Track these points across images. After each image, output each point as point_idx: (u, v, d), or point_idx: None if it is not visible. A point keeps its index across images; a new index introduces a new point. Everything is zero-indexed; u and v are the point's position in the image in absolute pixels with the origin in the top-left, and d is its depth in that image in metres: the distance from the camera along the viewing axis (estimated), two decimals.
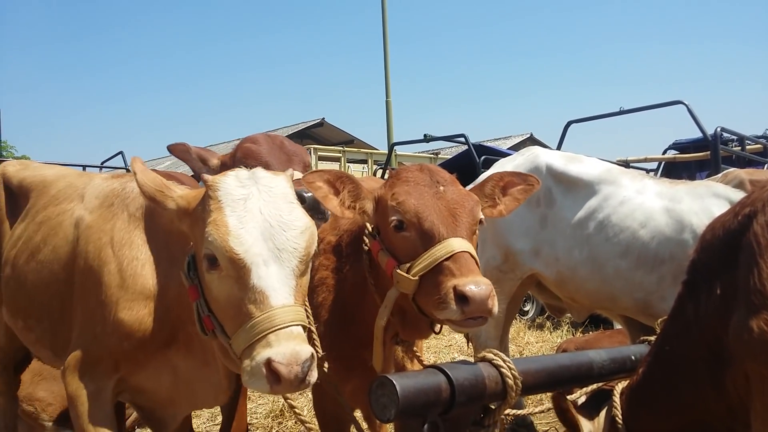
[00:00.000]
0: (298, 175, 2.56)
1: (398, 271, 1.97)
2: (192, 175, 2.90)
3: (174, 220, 1.98)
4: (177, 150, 2.83)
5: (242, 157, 2.69)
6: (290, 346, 1.64)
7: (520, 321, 8.74)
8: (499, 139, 29.58)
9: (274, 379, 1.62)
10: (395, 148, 11.48)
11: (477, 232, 2.08)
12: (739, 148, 7.58)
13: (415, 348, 2.31)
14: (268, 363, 1.62)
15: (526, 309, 9.59)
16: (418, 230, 1.98)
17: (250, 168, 2.56)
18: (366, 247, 2.25)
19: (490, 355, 1.82)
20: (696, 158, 7.90)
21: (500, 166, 4.42)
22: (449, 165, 10.29)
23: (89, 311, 2.29)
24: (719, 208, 3.21)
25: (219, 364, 2.17)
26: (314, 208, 2.31)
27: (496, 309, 1.84)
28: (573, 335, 7.99)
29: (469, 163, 7.95)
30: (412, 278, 1.93)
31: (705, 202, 3.49)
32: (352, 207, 2.14)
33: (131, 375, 2.29)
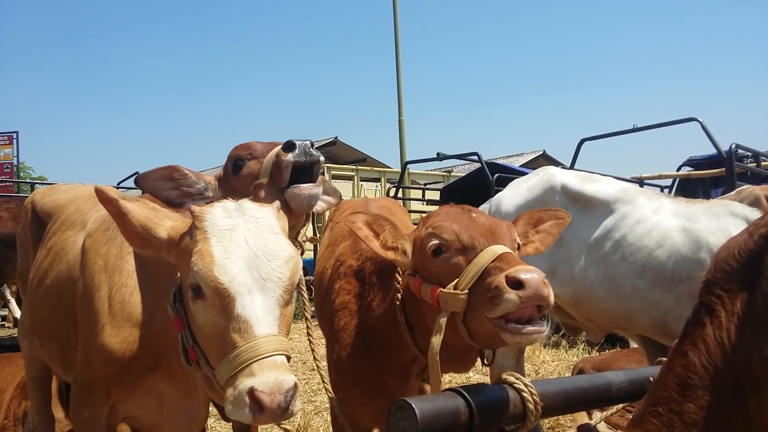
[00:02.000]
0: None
1: (444, 290, 1.89)
2: (169, 203, 2.65)
3: (162, 251, 1.95)
4: (154, 177, 2.61)
5: (232, 152, 2.67)
6: (273, 375, 1.64)
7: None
8: (512, 156, 29.59)
9: (257, 408, 1.61)
10: (408, 166, 11.53)
11: (516, 254, 1.99)
12: (755, 164, 7.54)
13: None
14: (251, 392, 1.61)
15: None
16: (458, 247, 1.94)
17: (241, 160, 2.62)
18: (398, 285, 2.23)
19: (511, 378, 1.81)
20: (711, 175, 7.88)
21: (515, 185, 4.43)
22: (463, 183, 10.33)
23: (84, 335, 2.34)
24: (736, 228, 3.20)
25: (199, 395, 2.20)
26: (306, 153, 2.41)
27: (552, 298, 1.73)
28: (589, 354, 7.91)
29: (482, 181, 7.97)
30: (461, 293, 1.85)
31: (722, 221, 3.47)
32: (394, 248, 2.12)
33: (121, 401, 2.32)
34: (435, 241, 1.98)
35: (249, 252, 1.79)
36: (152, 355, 2.24)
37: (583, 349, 8.40)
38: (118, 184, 10.65)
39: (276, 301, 1.78)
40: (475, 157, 8.69)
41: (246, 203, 1.94)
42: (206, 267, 1.74)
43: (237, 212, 1.88)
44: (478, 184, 7.58)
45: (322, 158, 2.52)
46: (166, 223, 1.96)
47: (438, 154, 9.93)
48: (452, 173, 17.16)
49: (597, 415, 5.09)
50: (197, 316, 1.81)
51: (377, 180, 16.13)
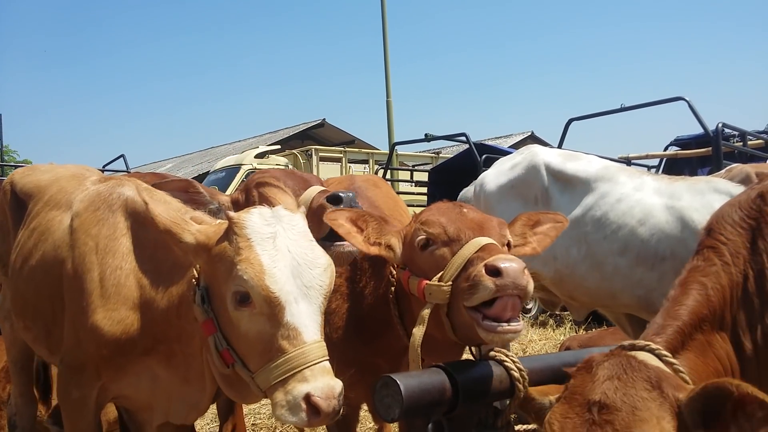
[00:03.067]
0: (320, 188, 2.59)
1: (429, 282, 1.93)
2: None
3: (189, 254, 1.98)
4: (171, 188, 2.65)
5: (257, 185, 2.66)
6: (325, 380, 1.73)
7: (522, 319, 8.73)
8: (500, 137, 29.56)
9: (313, 412, 1.69)
10: (396, 147, 11.48)
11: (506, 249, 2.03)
12: (741, 143, 7.56)
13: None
14: (308, 397, 1.69)
15: (528, 307, 9.59)
16: (444, 240, 1.97)
17: (267, 194, 2.59)
18: (392, 278, 2.26)
19: (497, 354, 1.82)
20: (697, 154, 7.90)
21: (499, 164, 4.43)
22: (451, 164, 10.30)
23: (73, 316, 2.33)
24: (721, 204, 3.20)
25: (205, 386, 2.21)
26: (352, 205, 2.40)
27: (531, 287, 1.76)
28: (576, 332, 8.00)
29: (470, 162, 7.95)
30: (445, 285, 1.88)
31: (706, 197, 3.47)
32: (378, 243, 2.14)
33: (112, 381, 2.32)
34: (423, 236, 2.02)
35: (292, 260, 1.84)
36: (150, 339, 2.23)
37: (570, 328, 8.49)
38: (104, 167, 10.55)
39: (318, 308, 1.86)
40: (464, 138, 8.66)
41: (280, 210, 1.97)
42: (257, 276, 1.77)
43: (274, 219, 1.92)
44: (467, 165, 7.56)
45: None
46: (192, 227, 1.97)
47: (426, 135, 9.89)
48: (440, 155, 17.08)
49: None
50: (241, 323, 1.84)
51: (365, 162, 16.06)
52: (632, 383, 1.50)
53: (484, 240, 1.89)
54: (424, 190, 11.82)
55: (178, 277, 2.18)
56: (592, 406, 1.48)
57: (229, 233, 1.89)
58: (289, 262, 1.84)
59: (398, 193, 12.80)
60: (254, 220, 1.89)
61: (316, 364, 1.75)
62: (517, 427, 1.89)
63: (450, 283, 1.87)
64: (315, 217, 2.39)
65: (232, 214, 1.92)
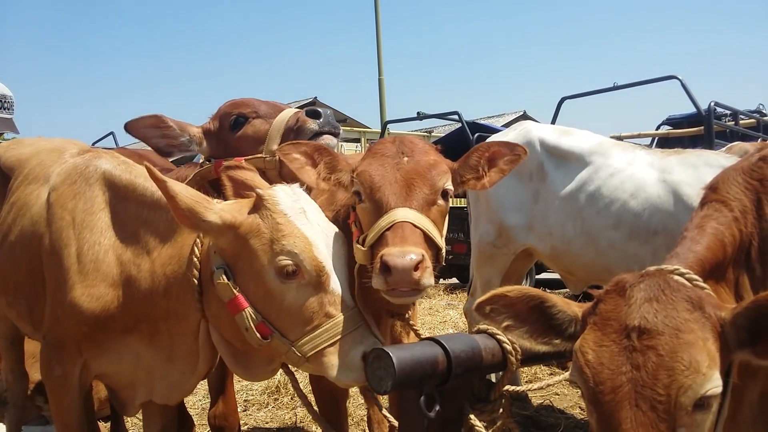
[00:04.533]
0: (295, 110, 2.60)
1: (355, 243, 2.01)
2: (159, 152, 2.80)
3: (212, 233, 1.95)
4: (142, 125, 2.67)
5: (230, 108, 2.66)
6: (372, 339, 1.87)
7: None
8: (493, 117, 29.47)
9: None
10: (388, 126, 11.43)
11: (441, 202, 2.03)
12: (733, 122, 7.56)
13: (411, 321, 2.29)
14: (365, 356, 1.79)
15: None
16: (372, 201, 1.99)
17: (244, 117, 2.60)
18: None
19: (484, 326, 1.82)
20: (689, 133, 7.89)
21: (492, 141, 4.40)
22: (442, 143, 10.27)
23: (52, 293, 2.29)
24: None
25: (191, 367, 2.20)
26: (330, 124, 2.44)
27: (427, 281, 1.78)
28: None
29: (462, 140, 7.91)
30: (363, 249, 1.95)
31: (698, 171, 3.46)
32: (328, 179, 2.14)
33: (93, 359, 2.30)
34: (356, 189, 2.05)
35: (322, 233, 1.95)
36: (131, 317, 2.20)
37: None
38: (94, 143, 10.44)
39: (344, 276, 1.95)
40: (456, 117, 8.63)
41: (296, 187, 2.03)
42: (306, 249, 1.86)
43: (296, 195, 1.99)
44: (459, 144, 7.54)
45: (341, 131, 2.51)
46: (214, 206, 1.95)
47: (418, 113, 9.87)
48: (432, 133, 17.05)
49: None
50: (287, 294, 1.88)
51: (357, 140, 15.98)
52: (673, 304, 1.41)
53: (400, 215, 1.89)
54: None
55: (165, 256, 2.14)
56: (630, 331, 1.40)
57: (260, 209, 1.92)
58: (321, 234, 1.93)
59: None
60: (283, 196, 1.94)
61: (361, 326, 1.88)
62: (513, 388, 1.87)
63: (367, 249, 1.93)
64: (292, 133, 2.41)
65: (261, 192, 1.94)
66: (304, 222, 1.91)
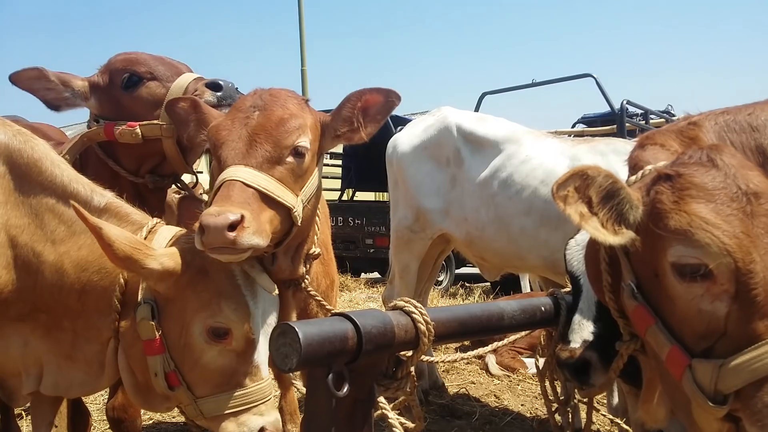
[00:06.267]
0: (195, 75, 2.47)
1: (205, 204, 1.98)
2: (48, 105, 2.60)
3: (151, 279, 1.82)
4: (25, 77, 2.51)
5: (125, 66, 2.48)
6: (276, 415, 1.88)
7: (434, 290, 8.87)
8: (416, 113, 29.73)
9: None
10: None
11: (291, 159, 1.92)
12: (644, 122, 7.90)
13: (319, 298, 2.19)
14: (262, 431, 1.83)
15: (440, 279, 9.73)
16: (217, 159, 1.92)
17: (138, 76, 2.45)
18: None
19: (401, 303, 1.75)
20: (603, 132, 8.20)
21: (411, 126, 4.41)
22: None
23: None
24: (621, 165, 3.27)
25: (99, 373, 2.05)
26: (232, 97, 2.37)
27: (245, 240, 1.70)
28: (485, 301, 8.18)
29: (386, 133, 7.86)
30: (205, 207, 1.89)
31: (606, 158, 3.55)
32: (194, 137, 2.11)
33: None
34: (207, 146, 2.02)
35: (263, 297, 1.90)
36: (27, 304, 1.99)
37: (479, 298, 8.68)
38: None
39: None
40: None
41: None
42: (244, 318, 1.82)
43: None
44: (382, 137, 7.51)
45: None
46: (156, 252, 1.81)
47: None
48: None
49: (490, 357, 5.25)
50: (206, 355, 1.83)
51: None
52: None
53: (231, 173, 1.82)
54: (339, 162, 11.70)
55: (80, 258, 1.96)
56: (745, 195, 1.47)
57: (206, 263, 1.83)
58: (261, 299, 1.89)
59: None
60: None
61: (270, 399, 1.87)
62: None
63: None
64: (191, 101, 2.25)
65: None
66: (246, 285, 1.87)
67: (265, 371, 1.88)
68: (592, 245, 1.87)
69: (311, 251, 2.06)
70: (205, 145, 2.08)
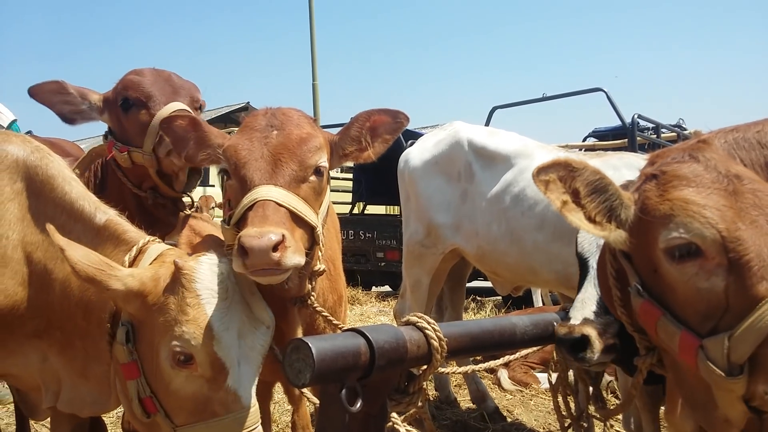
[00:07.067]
0: (182, 106, 2.44)
1: (222, 223, 1.91)
2: (63, 119, 2.66)
3: (117, 301, 1.81)
4: (45, 90, 2.56)
5: (123, 89, 2.52)
6: None
7: None
8: (427, 127, 29.79)
9: None
10: None
11: (314, 179, 1.94)
12: (655, 135, 7.87)
13: (326, 314, 2.19)
14: None
15: None
16: (237, 178, 1.89)
17: (130, 102, 2.47)
18: None
19: (414, 318, 1.76)
20: (614, 146, 8.17)
21: (423, 141, 4.43)
22: None
23: None
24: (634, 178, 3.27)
25: (109, 391, 2.04)
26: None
27: (289, 261, 1.69)
28: (496, 315, 8.13)
29: (397, 147, 7.88)
30: (228, 228, 1.86)
31: (619, 172, 3.52)
32: (194, 157, 2.07)
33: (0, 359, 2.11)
34: (223, 166, 1.96)
35: (240, 320, 1.78)
36: (43, 321, 2.02)
37: (491, 311, 8.63)
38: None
39: (257, 369, 1.80)
40: None
41: (223, 259, 1.85)
42: (206, 342, 1.69)
43: (224, 274, 1.81)
44: (393, 151, 7.54)
45: None
46: (120, 272, 1.77)
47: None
48: None
49: (502, 372, 5.22)
50: (175, 381, 1.74)
51: None
52: None
53: (262, 193, 1.80)
54: (350, 175, 11.72)
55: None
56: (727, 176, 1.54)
57: (175, 283, 1.75)
58: (237, 323, 1.77)
59: None
60: (204, 272, 1.77)
61: (248, 430, 1.74)
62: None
63: (232, 229, 1.84)
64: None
65: (179, 262, 1.76)
66: (218, 308, 1.74)
67: (247, 400, 1.75)
68: (602, 263, 1.88)
69: (316, 268, 2.05)
70: (205, 164, 2.07)
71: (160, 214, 2.61)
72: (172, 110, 2.38)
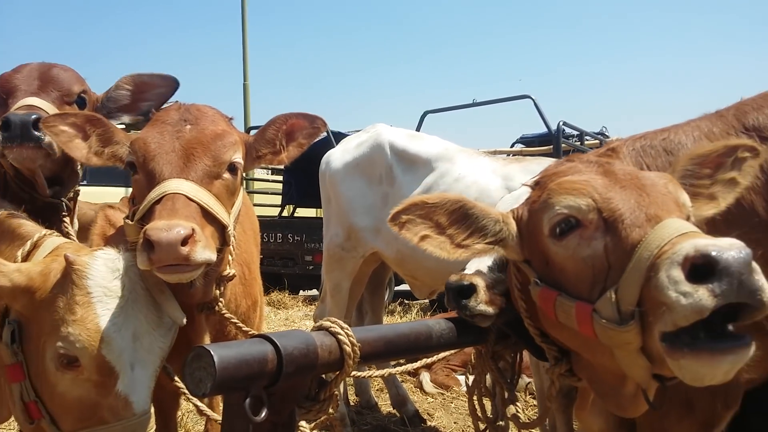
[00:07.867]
0: (35, 102, 2.21)
1: (125, 219, 1.83)
2: None
3: (4, 298, 1.68)
4: None
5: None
6: None
7: None
8: (359, 130, 29.88)
9: None
10: (252, 132, 11.14)
11: (228, 176, 1.88)
12: (579, 143, 8.15)
13: (235, 320, 2.10)
14: None
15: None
16: (145, 172, 1.81)
17: (1, 98, 2.27)
18: None
19: (326, 323, 1.70)
20: (540, 152, 8.41)
21: (345, 143, 4.39)
22: (308, 152, 10.21)
23: None
24: None
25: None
26: (26, 136, 2.04)
27: (199, 256, 1.62)
28: (422, 318, 8.18)
29: (327, 150, 7.82)
30: (130, 223, 1.77)
31: None
32: (100, 153, 1.93)
33: None
34: (129, 159, 1.87)
35: (136, 321, 1.67)
36: None
37: (417, 314, 8.69)
38: None
39: (154, 372, 1.70)
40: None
41: (125, 254, 1.73)
42: (91, 344, 1.58)
43: (121, 267, 1.70)
44: (323, 153, 7.48)
45: (47, 139, 2.10)
46: (7, 267, 1.65)
47: None
48: None
49: (424, 375, 5.24)
50: (61, 384, 1.63)
51: None
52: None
53: (172, 186, 1.72)
54: (280, 177, 11.56)
55: None
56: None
57: (66, 280, 1.64)
58: (132, 323, 1.66)
59: (254, 179, 12.41)
60: (98, 267, 1.66)
61: None
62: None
63: (136, 224, 1.74)
64: None
65: (71, 256, 1.63)
66: (110, 307, 1.64)
67: (139, 405, 1.65)
68: (509, 277, 1.90)
69: (225, 272, 1.96)
70: (114, 160, 1.94)
71: (49, 214, 2.41)
72: (17, 107, 2.16)
